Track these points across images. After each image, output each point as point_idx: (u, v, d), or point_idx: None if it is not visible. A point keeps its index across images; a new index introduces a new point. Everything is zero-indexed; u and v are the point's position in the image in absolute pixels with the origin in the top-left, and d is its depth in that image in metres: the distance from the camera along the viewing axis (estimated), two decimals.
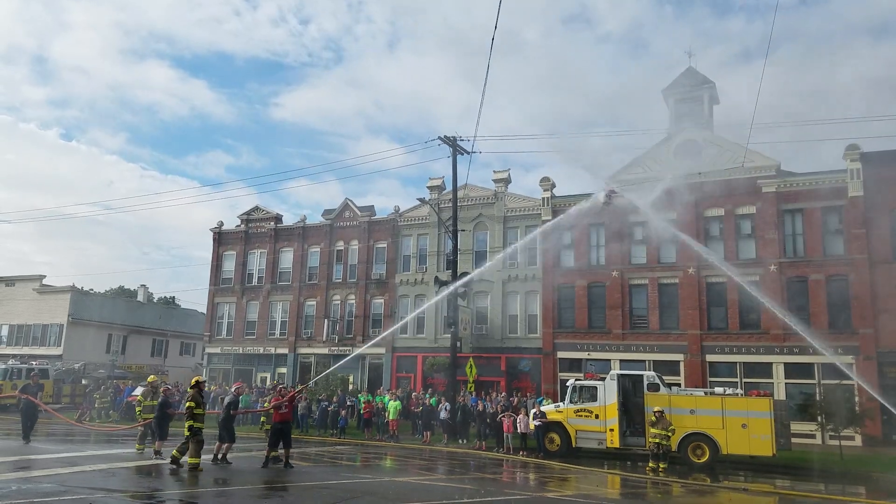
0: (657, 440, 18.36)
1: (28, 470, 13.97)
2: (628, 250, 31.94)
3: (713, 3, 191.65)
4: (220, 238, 44.10)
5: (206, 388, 24.25)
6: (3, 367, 35.94)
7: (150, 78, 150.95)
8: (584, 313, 32.36)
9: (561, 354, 32.44)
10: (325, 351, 38.60)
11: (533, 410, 22.90)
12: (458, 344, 28.68)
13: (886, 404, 20.87)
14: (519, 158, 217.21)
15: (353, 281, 39.26)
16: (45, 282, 50.90)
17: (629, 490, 15.62)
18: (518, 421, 22.47)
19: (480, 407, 25.14)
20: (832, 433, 22.57)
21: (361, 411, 26.94)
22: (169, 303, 68.45)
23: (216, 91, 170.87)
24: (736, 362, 29.09)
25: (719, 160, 30.46)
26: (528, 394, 29.68)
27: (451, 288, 26.51)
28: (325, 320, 39.02)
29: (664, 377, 22.84)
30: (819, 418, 22.91)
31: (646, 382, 21.27)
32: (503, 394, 28.36)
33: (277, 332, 40.95)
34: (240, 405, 18.54)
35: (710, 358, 29.53)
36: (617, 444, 21.15)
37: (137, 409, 20.28)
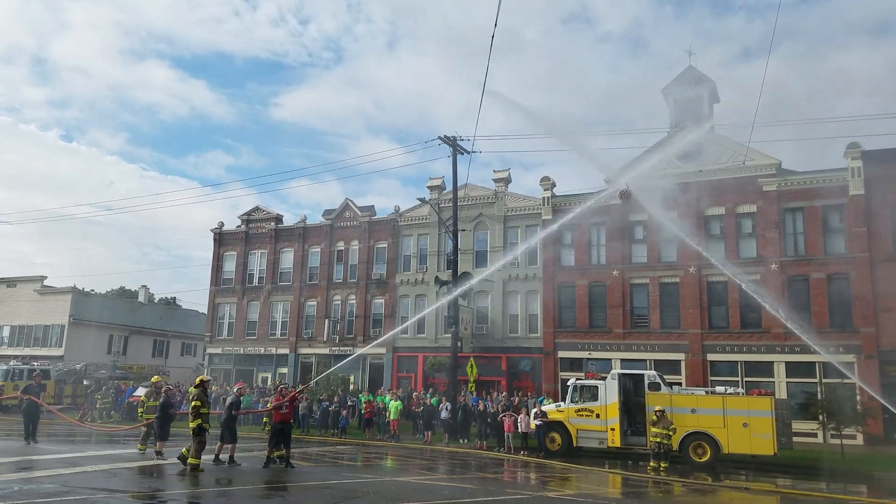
0: (658, 439, 18.35)
1: (30, 470, 14.00)
2: (629, 249, 31.96)
3: (713, 2, 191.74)
4: (221, 238, 44.17)
5: (210, 388, 24.24)
6: (5, 368, 35.99)
7: (150, 78, 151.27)
8: (585, 313, 32.37)
9: (562, 354, 32.45)
10: (325, 351, 38.65)
11: (534, 410, 22.88)
12: (459, 344, 28.70)
13: (886, 404, 20.88)
14: (519, 158, 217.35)
15: (353, 281, 39.30)
16: (46, 283, 51.00)
17: (630, 489, 15.61)
18: (519, 420, 22.49)
19: (481, 407, 25.11)
20: (834, 432, 22.55)
21: (362, 411, 26.97)
22: (170, 303, 68.41)
23: (216, 91, 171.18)
24: (737, 361, 29.07)
25: (720, 159, 30.45)
26: (528, 393, 29.64)
27: (457, 292, 26.50)
28: (326, 320, 39.05)
29: (665, 376, 22.84)
30: (820, 417, 22.88)
31: (647, 382, 21.27)
32: (504, 393, 28.37)
33: (278, 332, 41.00)
34: (241, 405, 18.56)
35: (711, 357, 29.53)
36: (618, 444, 21.14)
37: (140, 409, 20.32)
